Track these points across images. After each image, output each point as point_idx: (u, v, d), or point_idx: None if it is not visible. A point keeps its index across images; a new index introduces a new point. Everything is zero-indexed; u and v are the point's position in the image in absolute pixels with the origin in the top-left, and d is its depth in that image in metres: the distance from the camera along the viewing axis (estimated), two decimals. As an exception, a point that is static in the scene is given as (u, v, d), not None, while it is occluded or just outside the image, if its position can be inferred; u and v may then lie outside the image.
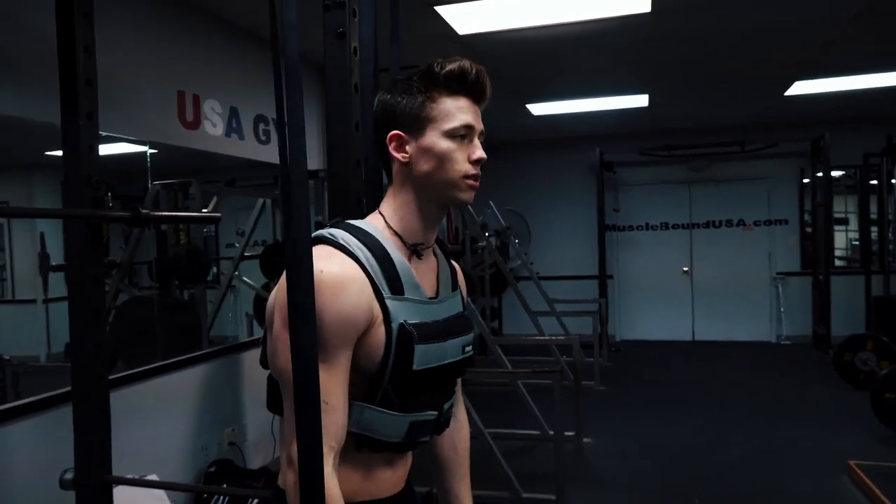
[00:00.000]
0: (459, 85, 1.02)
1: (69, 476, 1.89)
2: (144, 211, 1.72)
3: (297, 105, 0.63)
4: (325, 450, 0.90)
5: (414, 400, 1.02)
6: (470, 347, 1.12)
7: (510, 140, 8.09)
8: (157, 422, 2.94)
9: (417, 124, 1.02)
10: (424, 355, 1.00)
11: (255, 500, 2.62)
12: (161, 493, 2.58)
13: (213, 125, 3.32)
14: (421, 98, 1.02)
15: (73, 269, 1.61)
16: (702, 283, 7.87)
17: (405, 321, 0.98)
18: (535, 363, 5.68)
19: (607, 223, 7.87)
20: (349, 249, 0.97)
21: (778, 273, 7.62)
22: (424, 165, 1.02)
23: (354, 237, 1.00)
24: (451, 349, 1.07)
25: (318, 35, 1.49)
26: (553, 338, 5.59)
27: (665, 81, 5.36)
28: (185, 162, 3.37)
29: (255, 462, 3.63)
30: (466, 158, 1.02)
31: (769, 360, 6.79)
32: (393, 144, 1.04)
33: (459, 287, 1.19)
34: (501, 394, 5.14)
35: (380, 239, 1.01)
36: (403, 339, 0.97)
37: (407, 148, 1.03)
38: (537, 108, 6.14)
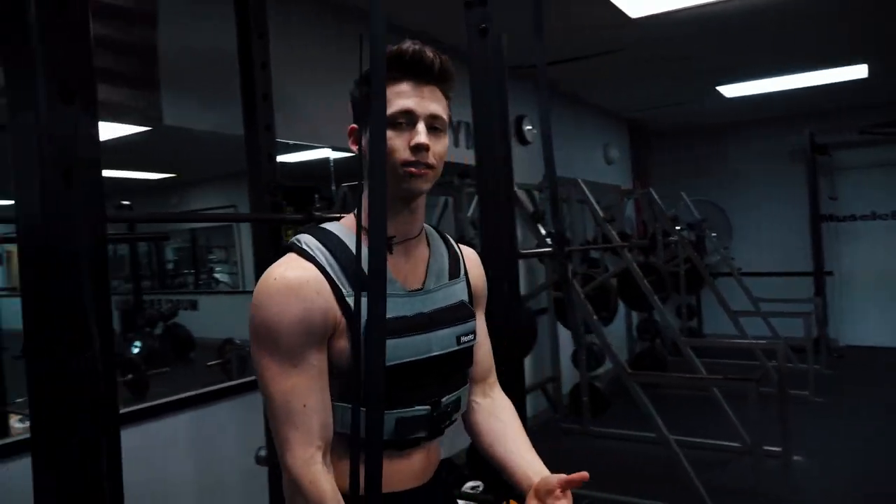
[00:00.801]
0: (398, 70, 0.99)
1: (262, 453, 2.13)
2: (317, 213, 1.88)
3: (381, 100, 0.64)
4: (313, 450, 0.95)
5: (397, 395, 1.00)
6: (469, 337, 1.08)
7: (700, 125, 7.51)
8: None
9: (363, 116, 1.02)
10: (397, 349, 0.97)
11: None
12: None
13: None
14: (365, 89, 1.01)
15: (258, 269, 1.80)
16: (949, 281, 6.63)
17: None
18: (737, 368, 5.21)
19: (822, 213, 6.96)
20: (310, 253, 0.99)
21: None
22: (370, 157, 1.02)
23: (317, 240, 1.01)
24: (440, 340, 1.04)
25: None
26: (756, 341, 5.06)
27: (889, 47, 4.61)
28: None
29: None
30: (407, 146, 0.98)
31: None
32: (351, 138, 1.06)
33: (468, 275, 1.15)
34: (694, 399, 4.79)
35: (344, 238, 1.02)
36: None
37: (362, 140, 1.03)
38: (729, 90, 5.65)
